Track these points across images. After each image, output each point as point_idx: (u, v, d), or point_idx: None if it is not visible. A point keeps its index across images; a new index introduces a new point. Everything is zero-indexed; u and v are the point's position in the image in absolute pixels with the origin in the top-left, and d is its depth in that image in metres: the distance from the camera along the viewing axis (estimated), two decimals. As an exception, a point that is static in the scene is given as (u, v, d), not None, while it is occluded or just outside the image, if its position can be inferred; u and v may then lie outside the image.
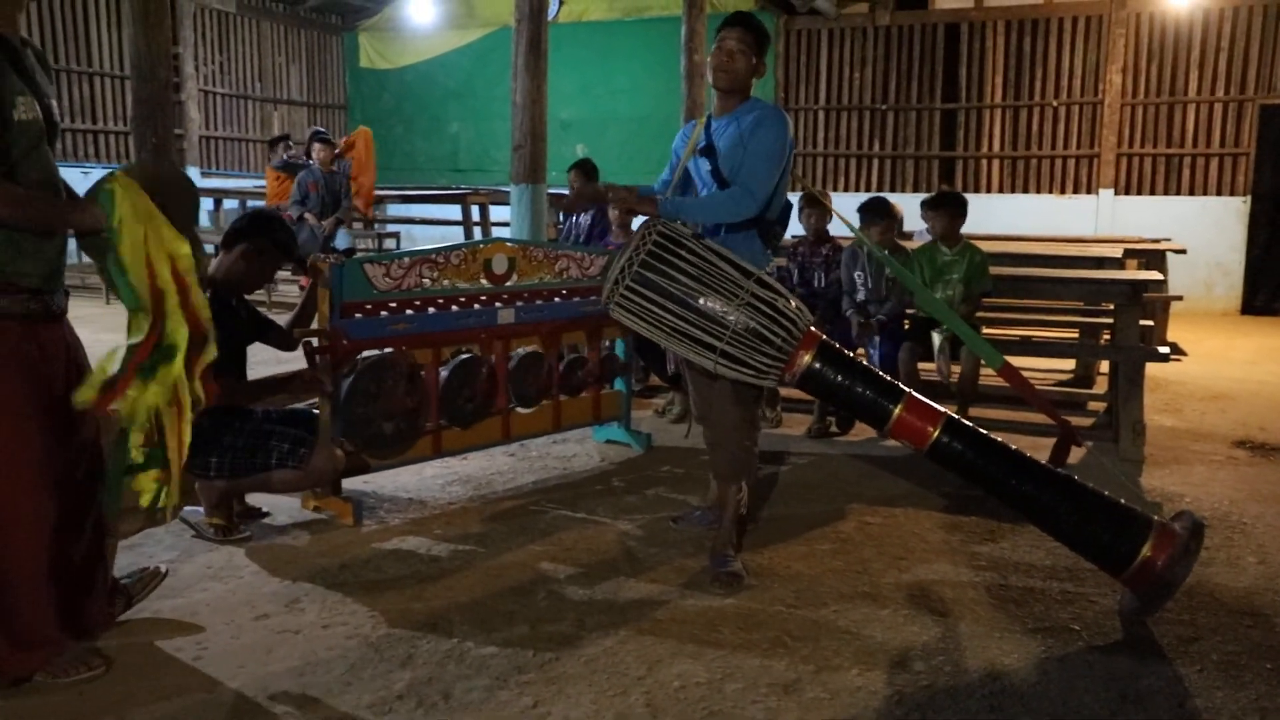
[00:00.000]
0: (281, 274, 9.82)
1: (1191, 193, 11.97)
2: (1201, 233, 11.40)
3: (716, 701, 2.64)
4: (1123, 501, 3.11)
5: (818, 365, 3.21)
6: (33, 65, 2.54)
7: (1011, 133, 12.95)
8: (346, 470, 3.95)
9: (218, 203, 11.79)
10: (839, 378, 3.23)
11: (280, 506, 4.04)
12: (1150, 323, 6.97)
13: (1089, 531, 3.07)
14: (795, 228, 4.89)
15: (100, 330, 2.46)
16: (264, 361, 4.69)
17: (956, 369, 5.25)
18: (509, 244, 4.55)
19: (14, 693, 2.58)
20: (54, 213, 2.50)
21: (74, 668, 2.64)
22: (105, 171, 2.67)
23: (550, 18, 6.97)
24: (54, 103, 2.61)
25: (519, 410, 4.64)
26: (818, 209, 5.92)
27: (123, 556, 3.21)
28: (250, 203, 11.41)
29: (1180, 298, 8.63)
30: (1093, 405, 6.36)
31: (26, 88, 2.46)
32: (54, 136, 2.61)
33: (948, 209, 5.50)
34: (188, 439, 2.64)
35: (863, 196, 5.95)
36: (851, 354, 3.33)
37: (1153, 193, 12.21)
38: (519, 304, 4.51)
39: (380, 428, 4.02)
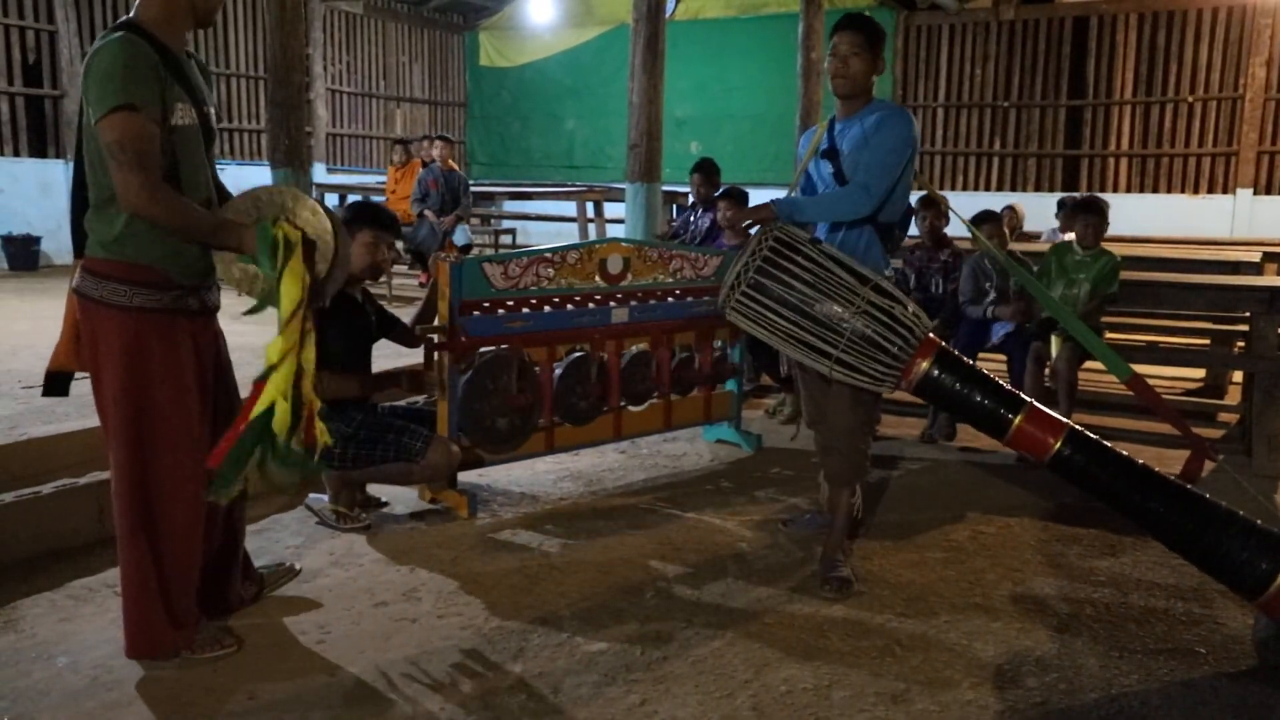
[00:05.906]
0: (399, 268, 10.12)
1: (1339, 193, 11.40)
2: (1349, 235, 10.79)
3: (823, 709, 2.63)
4: (1259, 522, 2.97)
5: (936, 372, 3.16)
6: (194, 75, 2.71)
7: (1142, 130, 12.49)
8: (462, 464, 4.06)
9: (342, 198, 12.17)
10: (957, 385, 3.17)
11: (398, 497, 4.17)
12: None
13: (1221, 551, 2.93)
14: (911, 229, 4.77)
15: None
16: (386, 355, 4.83)
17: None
18: (624, 244, 4.60)
19: (158, 666, 2.73)
20: (210, 230, 2.63)
21: (210, 645, 2.80)
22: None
23: (667, 15, 6.98)
24: (212, 110, 2.77)
25: (630, 408, 4.69)
26: (934, 210, 5.75)
27: (252, 541, 3.37)
28: (373, 199, 11.75)
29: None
30: (1223, 417, 6.09)
31: (186, 95, 2.62)
32: (210, 141, 2.76)
33: (1093, 216, 5.31)
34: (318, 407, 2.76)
35: (982, 196, 5.81)
36: (972, 361, 3.26)
37: (1296, 192, 11.66)
38: (633, 303, 4.55)
39: (495, 423, 4.12)
